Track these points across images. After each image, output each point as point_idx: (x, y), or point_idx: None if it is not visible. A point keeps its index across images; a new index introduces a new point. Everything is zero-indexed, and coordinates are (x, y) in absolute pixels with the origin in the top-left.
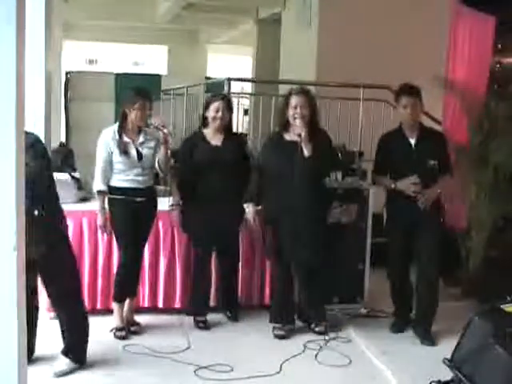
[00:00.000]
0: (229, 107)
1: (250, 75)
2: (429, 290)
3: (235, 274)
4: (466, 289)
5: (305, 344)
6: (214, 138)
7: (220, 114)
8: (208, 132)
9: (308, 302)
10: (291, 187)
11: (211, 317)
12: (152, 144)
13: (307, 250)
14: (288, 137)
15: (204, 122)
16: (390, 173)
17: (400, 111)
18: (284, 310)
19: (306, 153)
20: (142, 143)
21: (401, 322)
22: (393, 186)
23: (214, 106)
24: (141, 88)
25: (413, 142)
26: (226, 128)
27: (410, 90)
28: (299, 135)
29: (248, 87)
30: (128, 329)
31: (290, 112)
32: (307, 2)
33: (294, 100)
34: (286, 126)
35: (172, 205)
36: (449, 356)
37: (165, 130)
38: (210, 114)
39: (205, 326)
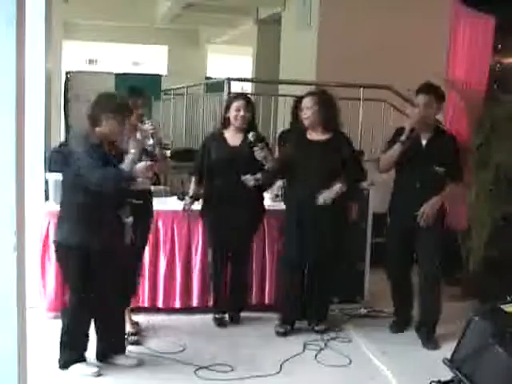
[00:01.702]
0: (250, 106)
1: (250, 75)
2: (431, 291)
3: (246, 276)
4: (466, 289)
5: (305, 344)
6: (234, 138)
7: (242, 112)
8: (228, 132)
9: (314, 301)
10: (314, 187)
11: (211, 317)
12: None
13: (328, 247)
14: (309, 135)
15: (225, 122)
16: (396, 166)
17: (414, 110)
18: (291, 310)
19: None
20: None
21: (401, 322)
22: (402, 138)
23: (235, 105)
24: (133, 87)
25: (424, 142)
26: (246, 128)
27: (426, 89)
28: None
29: (248, 87)
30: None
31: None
32: (307, 2)
33: (302, 102)
34: (304, 125)
35: (190, 196)
36: (449, 356)
37: (151, 142)
38: (232, 113)
39: (222, 322)
